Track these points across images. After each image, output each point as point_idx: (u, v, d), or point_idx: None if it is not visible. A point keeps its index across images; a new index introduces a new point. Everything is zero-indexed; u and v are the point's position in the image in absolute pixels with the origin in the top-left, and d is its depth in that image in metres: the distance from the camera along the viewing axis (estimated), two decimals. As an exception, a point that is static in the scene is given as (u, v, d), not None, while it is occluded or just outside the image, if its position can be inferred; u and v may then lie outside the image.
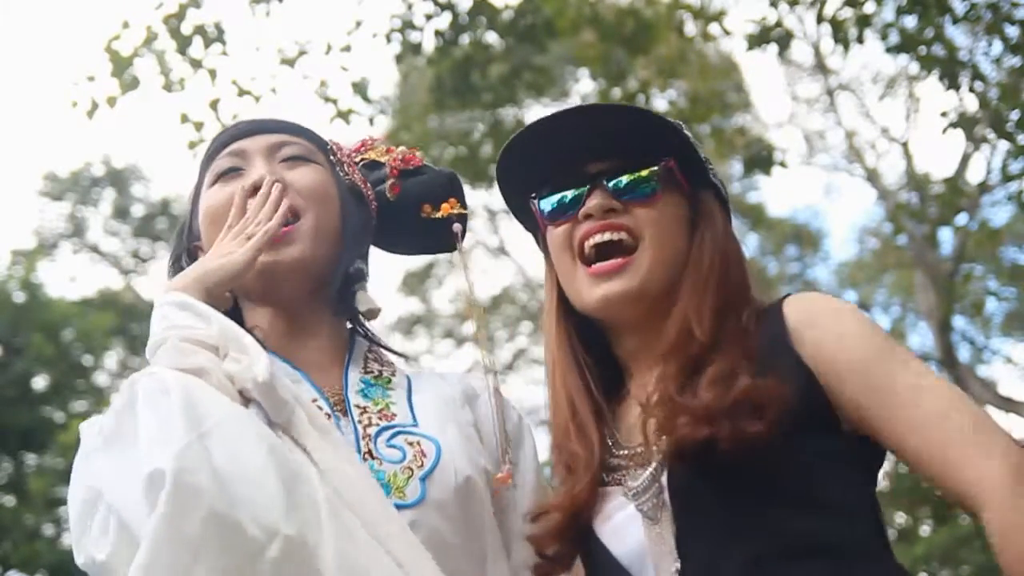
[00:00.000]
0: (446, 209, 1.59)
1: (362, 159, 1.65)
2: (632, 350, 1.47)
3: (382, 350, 1.61)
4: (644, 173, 1.44)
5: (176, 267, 1.57)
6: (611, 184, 1.44)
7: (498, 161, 1.51)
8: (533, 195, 1.50)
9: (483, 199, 14.33)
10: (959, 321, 12.50)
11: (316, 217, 1.50)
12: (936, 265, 10.88)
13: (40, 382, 13.50)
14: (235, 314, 1.45)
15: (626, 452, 1.39)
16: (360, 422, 1.42)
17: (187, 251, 1.59)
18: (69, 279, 23.29)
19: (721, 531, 1.25)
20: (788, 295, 1.41)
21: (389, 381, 1.52)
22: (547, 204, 1.49)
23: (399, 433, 1.43)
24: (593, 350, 1.49)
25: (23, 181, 32.39)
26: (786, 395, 1.23)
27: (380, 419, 1.44)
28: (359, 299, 1.57)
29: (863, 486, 1.32)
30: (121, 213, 16.93)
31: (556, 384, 1.47)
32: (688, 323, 1.38)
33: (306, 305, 1.52)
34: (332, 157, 1.61)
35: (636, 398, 1.40)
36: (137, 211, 17.12)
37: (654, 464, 1.31)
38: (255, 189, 1.48)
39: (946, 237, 11.10)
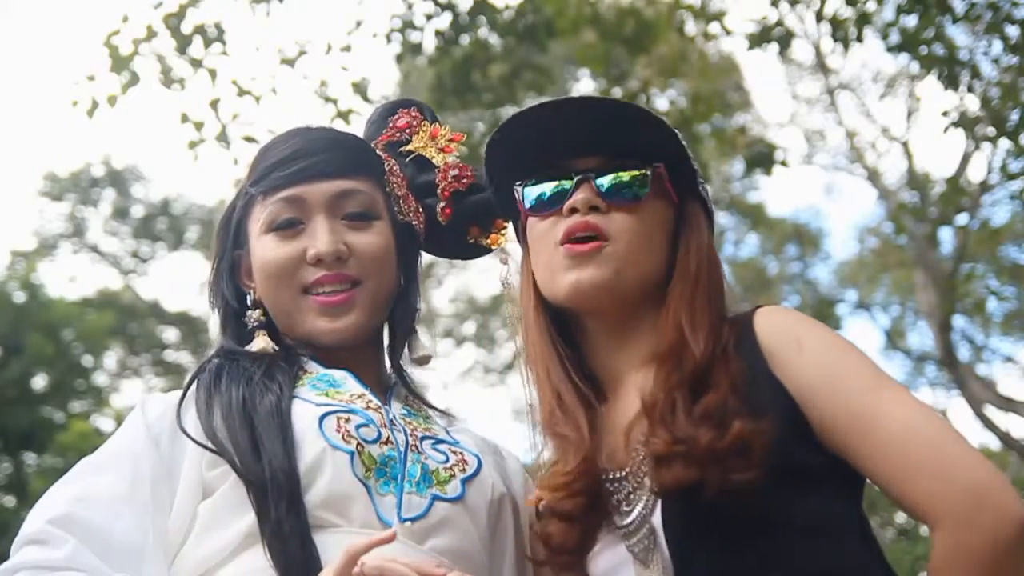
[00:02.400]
0: (495, 240, 1.59)
1: (409, 154, 1.61)
2: (609, 362, 1.45)
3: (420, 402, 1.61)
4: (634, 175, 1.42)
5: (218, 274, 1.58)
6: (599, 181, 1.41)
7: (489, 141, 1.47)
8: (518, 183, 1.48)
9: (483, 199, 14.30)
10: (959, 320, 12.51)
11: (376, 285, 1.52)
12: (936, 264, 10.88)
13: (40, 382, 13.51)
14: (285, 348, 1.51)
15: (612, 474, 1.36)
16: (405, 428, 1.44)
17: (230, 263, 1.57)
18: (69, 279, 23.31)
19: (719, 573, 1.24)
20: (758, 308, 1.39)
21: (428, 417, 1.54)
22: (531, 194, 1.46)
23: (442, 442, 1.45)
24: (572, 355, 1.47)
25: (23, 181, 32.42)
26: (773, 436, 1.21)
27: (423, 431, 1.46)
28: (413, 346, 1.59)
29: (851, 506, 1.31)
30: (121, 213, 16.95)
31: (540, 374, 1.46)
32: (682, 331, 1.36)
33: (357, 353, 1.53)
34: (387, 189, 1.57)
35: (620, 415, 1.38)
36: (137, 211, 17.15)
37: (643, 501, 1.30)
38: (318, 260, 1.48)
39: (946, 236, 11.12)
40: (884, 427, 1.22)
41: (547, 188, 1.45)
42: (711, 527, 1.24)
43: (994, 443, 11.15)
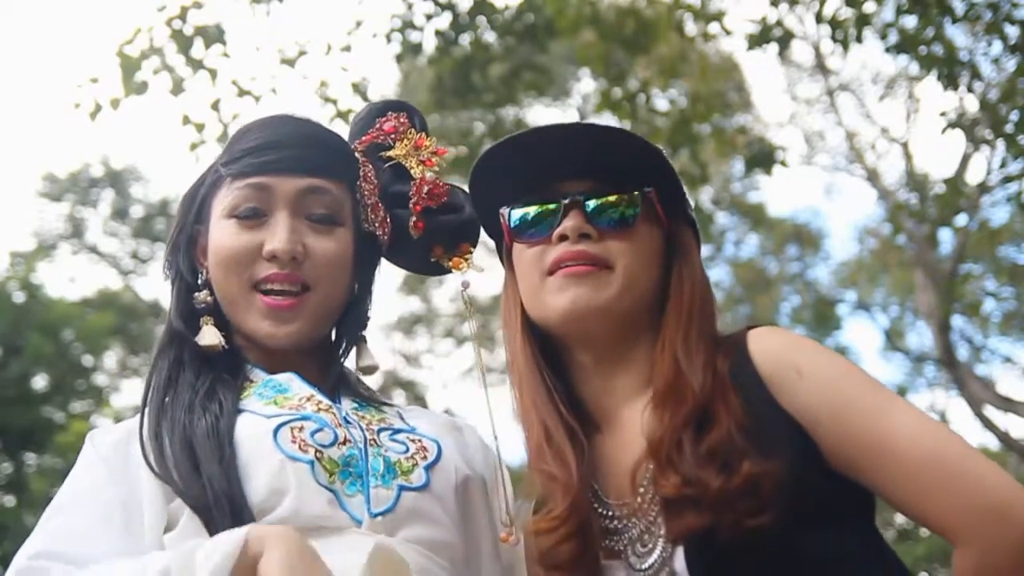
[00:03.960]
0: (456, 264, 1.56)
1: (389, 160, 1.57)
2: (600, 392, 1.42)
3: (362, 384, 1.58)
4: (624, 198, 1.39)
5: (175, 245, 1.54)
6: (588, 204, 1.38)
7: (473, 168, 1.45)
8: (504, 207, 1.45)
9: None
10: (958, 320, 12.51)
11: (326, 293, 1.48)
12: (935, 265, 10.88)
13: (40, 382, 13.50)
14: (231, 353, 1.47)
15: (616, 511, 1.34)
16: (360, 423, 1.41)
17: (188, 236, 1.54)
18: (69, 279, 23.43)
19: None
20: (749, 329, 1.36)
21: (380, 406, 1.51)
22: (516, 216, 1.44)
23: (399, 431, 1.43)
24: (560, 385, 1.44)
25: (22, 182, 32.39)
26: (784, 474, 1.20)
27: (377, 423, 1.43)
28: (361, 355, 1.56)
29: (866, 526, 1.31)
30: (120, 214, 16.94)
31: (526, 403, 1.43)
32: (679, 365, 1.33)
33: (303, 354, 1.50)
34: (358, 194, 1.54)
35: (616, 447, 1.36)
36: (136, 212, 17.14)
37: (660, 546, 1.28)
38: (272, 257, 1.45)
39: (946, 237, 11.11)
40: (900, 450, 1.21)
41: (532, 210, 1.42)
42: (736, 569, 1.22)
43: (993, 443, 11.17)
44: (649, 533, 1.30)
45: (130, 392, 15.75)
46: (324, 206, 1.49)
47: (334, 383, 1.50)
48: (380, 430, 1.41)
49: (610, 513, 1.34)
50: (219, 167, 1.52)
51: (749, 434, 1.23)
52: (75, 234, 16.76)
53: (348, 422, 1.39)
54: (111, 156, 17.98)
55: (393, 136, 1.59)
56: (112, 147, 25.93)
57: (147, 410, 1.40)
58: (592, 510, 1.34)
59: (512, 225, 1.45)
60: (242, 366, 1.47)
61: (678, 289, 1.40)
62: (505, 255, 1.52)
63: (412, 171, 1.55)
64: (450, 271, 1.57)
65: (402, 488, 1.33)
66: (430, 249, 1.56)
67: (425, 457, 1.39)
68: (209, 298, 1.50)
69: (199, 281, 1.51)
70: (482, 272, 1.56)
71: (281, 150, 1.48)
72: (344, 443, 1.34)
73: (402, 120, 1.60)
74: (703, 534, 1.21)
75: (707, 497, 1.20)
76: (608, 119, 7.65)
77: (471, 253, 1.57)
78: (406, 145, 1.58)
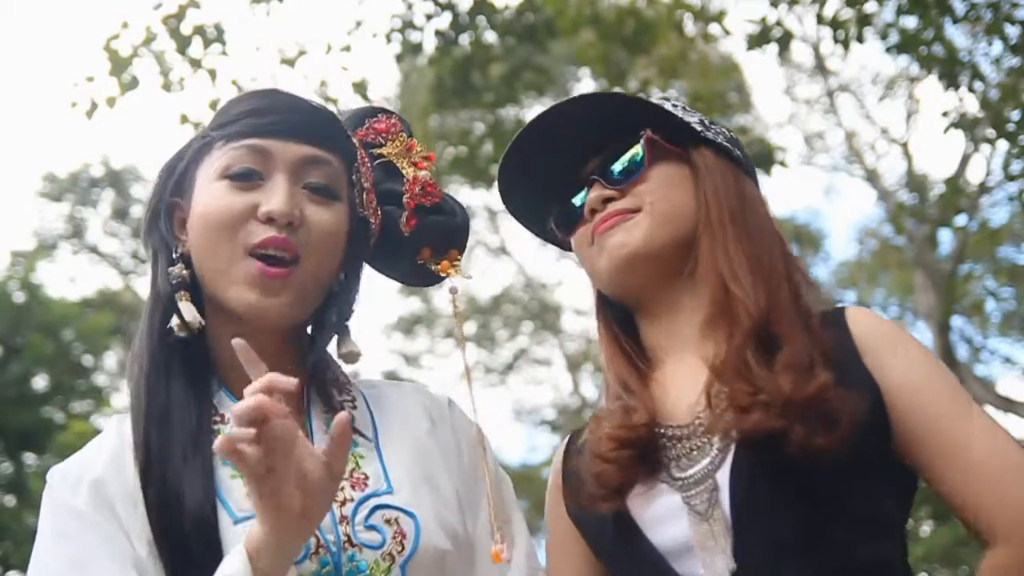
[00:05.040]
0: (444, 267, 1.51)
1: (380, 157, 1.54)
2: (660, 332, 1.45)
3: (335, 369, 1.50)
4: (627, 154, 1.46)
5: (155, 214, 1.44)
6: (598, 174, 1.46)
7: (499, 182, 1.54)
8: (551, 220, 1.55)
9: (484, 199, 14.34)
10: (958, 321, 12.51)
11: (316, 266, 1.39)
12: (935, 265, 10.88)
13: (40, 382, 13.50)
14: (200, 335, 1.38)
15: (672, 430, 1.35)
16: (336, 499, 1.32)
17: (166, 207, 1.44)
18: (69, 280, 23.39)
19: (781, 540, 1.24)
20: (844, 306, 1.39)
21: (353, 419, 1.37)
22: (560, 218, 1.54)
23: (377, 508, 1.35)
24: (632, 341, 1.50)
25: (22, 182, 32.39)
26: (860, 410, 1.23)
27: (353, 488, 1.35)
28: (342, 342, 1.46)
29: (905, 511, 1.34)
30: (120, 214, 16.94)
31: (608, 375, 1.49)
32: (722, 281, 1.36)
33: (274, 350, 1.38)
34: (354, 175, 1.48)
35: (674, 377, 1.39)
36: (136, 212, 17.11)
37: (710, 456, 1.29)
38: (268, 219, 1.36)
39: (945, 237, 11.11)
40: (967, 438, 1.26)
41: (568, 208, 1.52)
42: (776, 490, 1.24)
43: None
44: (699, 449, 1.32)
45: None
46: (324, 177, 1.42)
47: (307, 384, 1.43)
48: (356, 509, 1.33)
49: (666, 430, 1.36)
50: (208, 133, 1.43)
51: (834, 370, 1.26)
52: (75, 234, 16.77)
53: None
54: (111, 156, 18.02)
55: (385, 135, 1.55)
56: (112, 147, 25.94)
57: (138, 428, 1.34)
58: (653, 435, 1.35)
59: (560, 228, 1.54)
60: (210, 383, 1.39)
61: (705, 207, 1.43)
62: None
63: (404, 171, 1.53)
64: (438, 276, 1.52)
65: None
66: (418, 250, 1.51)
67: (402, 549, 1.32)
68: (184, 272, 1.39)
69: (174, 255, 1.41)
70: (469, 279, 1.55)
71: (283, 114, 1.41)
72: (317, 551, 1.27)
73: (393, 122, 1.57)
74: (767, 438, 1.22)
75: (779, 401, 1.22)
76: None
77: (459, 261, 1.53)
78: (397, 145, 1.55)
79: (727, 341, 1.32)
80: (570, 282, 17.78)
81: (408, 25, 7.14)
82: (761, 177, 1.66)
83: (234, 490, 1.30)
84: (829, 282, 16.24)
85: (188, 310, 1.37)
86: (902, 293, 15.06)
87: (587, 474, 1.37)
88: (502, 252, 16.63)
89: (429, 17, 7.11)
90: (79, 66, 7.35)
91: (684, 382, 1.37)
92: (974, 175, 10.49)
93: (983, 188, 9.87)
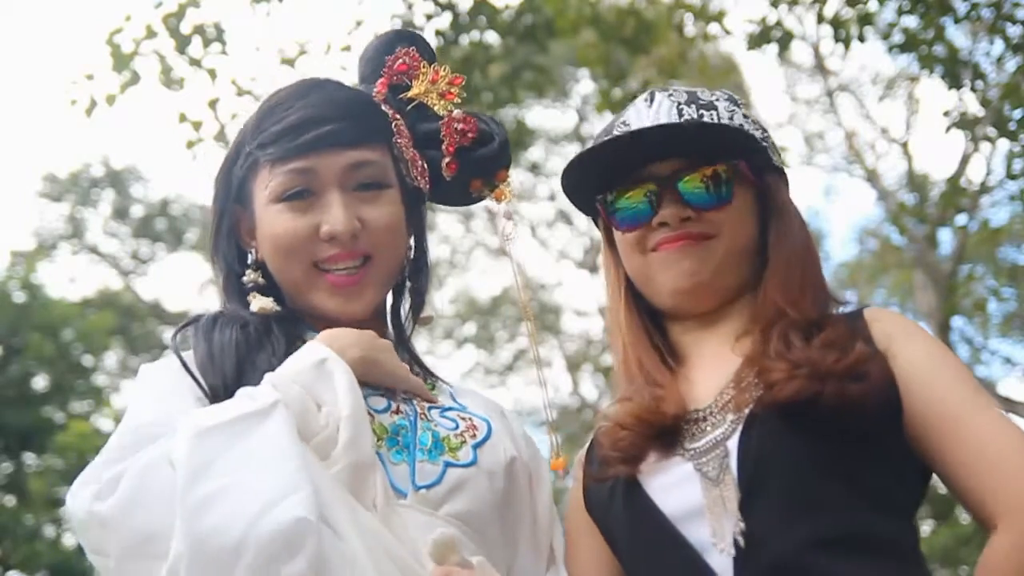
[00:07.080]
0: (499, 195, 1.58)
1: (410, 101, 1.56)
2: (693, 334, 1.48)
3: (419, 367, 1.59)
4: (716, 172, 1.43)
5: (218, 231, 1.53)
6: (682, 188, 1.43)
7: (565, 168, 1.50)
8: (599, 196, 1.50)
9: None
10: (958, 321, 12.50)
11: (388, 258, 1.50)
12: (935, 265, 10.87)
13: (40, 382, 13.51)
14: (286, 316, 1.47)
15: (693, 414, 1.38)
16: (412, 399, 1.43)
17: (231, 220, 1.52)
18: (69, 280, 23.29)
19: (787, 503, 1.27)
20: (864, 306, 1.44)
21: (433, 386, 1.53)
22: (618, 210, 1.49)
23: (449, 409, 1.45)
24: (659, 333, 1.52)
25: (23, 182, 32.40)
26: (887, 380, 1.29)
27: (428, 402, 1.46)
28: (420, 309, 1.59)
29: (913, 501, 1.36)
30: (120, 214, 16.95)
31: (631, 366, 1.48)
32: (778, 304, 1.40)
33: (361, 324, 1.49)
34: (396, 151, 1.52)
35: (701, 374, 1.42)
36: (136, 212, 17.14)
37: (723, 426, 1.33)
38: (331, 237, 1.44)
39: (946, 237, 11.11)
40: (975, 424, 1.28)
41: (630, 200, 1.47)
42: (785, 456, 1.27)
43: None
44: (715, 419, 1.35)
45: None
46: (370, 175, 1.48)
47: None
48: (431, 407, 1.44)
49: (689, 418, 1.38)
50: (253, 150, 1.48)
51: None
52: (75, 234, 16.76)
53: (402, 396, 1.42)
54: (111, 156, 18.02)
55: (407, 75, 1.56)
56: (112, 147, 25.95)
57: (195, 342, 1.41)
58: (678, 423, 1.38)
59: (611, 212, 1.50)
60: (296, 325, 1.47)
61: (777, 244, 1.46)
62: (603, 230, 1.57)
63: (436, 108, 1.55)
64: (492, 201, 1.59)
65: (448, 464, 1.35)
66: (469, 184, 1.57)
67: (475, 435, 1.41)
68: (261, 279, 1.49)
69: (248, 261, 1.51)
70: (520, 200, 1.60)
71: (318, 126, 1.44)
72: (396, 412, 1.37)
73: (413, 55, 1.57)
74: (783, 408, 1.26)
75: (819, 371, 1.27)
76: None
77: (508, 179, 1.59)
78: (423, 82, 1.56)
79: (767, 331, 1.36)
80: (570, 283, 17.77)
81: (408, 25, 7.14)
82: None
83: None
84: (829, 282, 16.24)
85: (258, 303, 1.46)
86: (902, 293, 15.05)
87: (604, 438, 1.41)
88: (502, 252, 16.63)
89: (429, 17, 7.10)
90: (79, 64, 7.36)
91: (711, 372, 1.41)
92: (975, 175, 10.50)
93: (984, 188, 9.86)
